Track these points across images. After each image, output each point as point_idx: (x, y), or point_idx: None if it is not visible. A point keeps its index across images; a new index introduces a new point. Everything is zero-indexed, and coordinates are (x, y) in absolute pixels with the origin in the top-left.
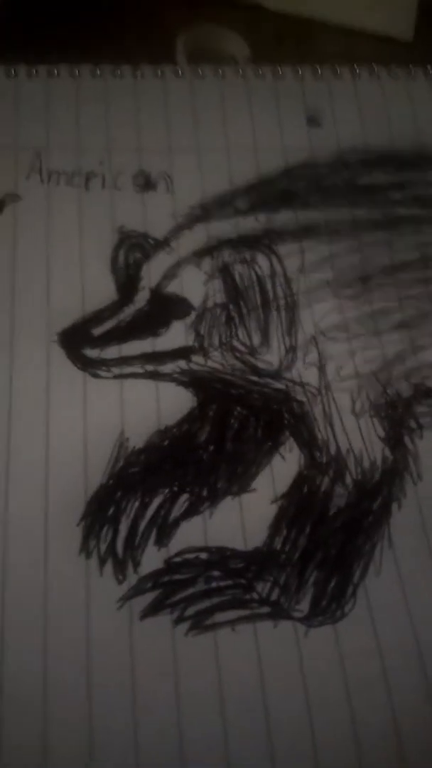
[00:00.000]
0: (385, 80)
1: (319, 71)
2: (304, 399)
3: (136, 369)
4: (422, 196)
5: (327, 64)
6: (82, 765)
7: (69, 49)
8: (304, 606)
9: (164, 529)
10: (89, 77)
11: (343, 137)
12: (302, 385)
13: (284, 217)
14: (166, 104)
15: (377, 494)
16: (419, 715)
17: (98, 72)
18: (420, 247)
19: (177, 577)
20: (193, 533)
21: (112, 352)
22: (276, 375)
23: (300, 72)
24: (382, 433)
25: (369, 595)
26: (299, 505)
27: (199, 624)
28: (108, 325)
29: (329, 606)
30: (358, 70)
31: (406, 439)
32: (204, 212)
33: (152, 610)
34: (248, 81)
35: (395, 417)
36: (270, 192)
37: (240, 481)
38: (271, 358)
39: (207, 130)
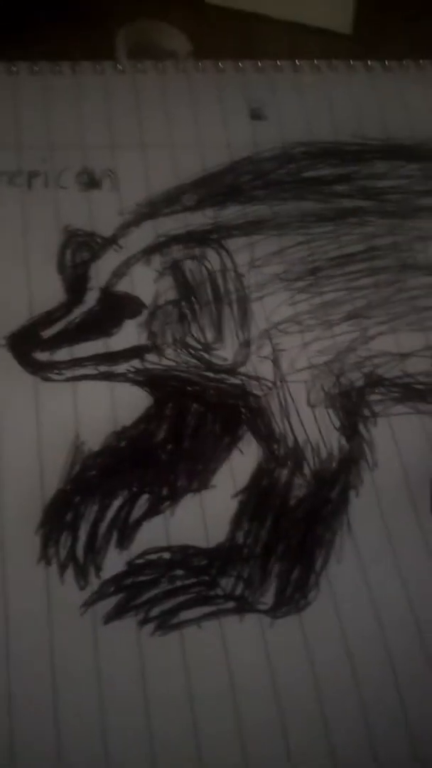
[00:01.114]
0: (327, 73)
1: (261, 66)
2: (260, 393)
3: (89, 370)
4: (366, 187)
5: (269, 58)
6: None
7: (6, 46)
8: (268, 598)
9: (125, 532)
10: (27, 74)
11: (287, 131)
12: (257, 379)
13: (232, 212)
14: (108, 101)
15: (335, 483)
16: (386, 699)
17: (36, 68)
18: (366, 238)
19: (140, 578)
20: (155, 533)
21: (63, 354)
22: (231, 370)
23: (242, 66)
24: (337, 423)
25: (331, 583)
26: (259, 499)
27: (165, 624)
28: (58, 326)
29: (293, 596)
30: (299, 64)
31: (361, 428)
32: (151, 209)
33: (116, 613)
34: (190, 76)
35: (349, 406)
36: (217, 187)
37: (200, 478)
38: (226, 353)
39: (150, 127)
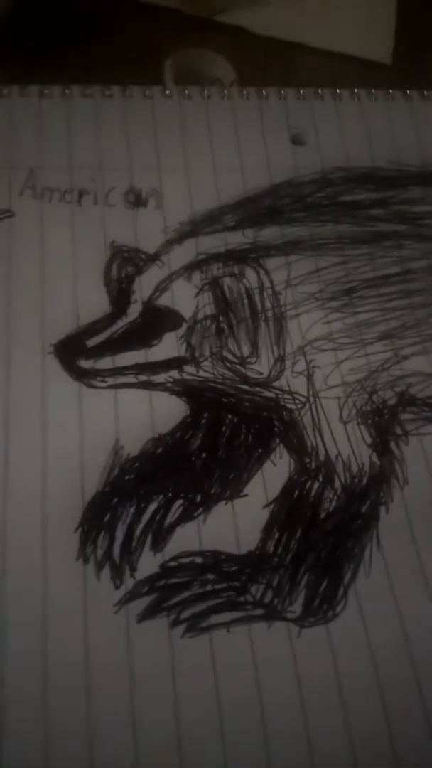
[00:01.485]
0: (366, 102)
1: (302, 93)
2: (293, 407)
3: (130, 379)
4: (402, 212)
5: (310, 86)
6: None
7: (60, 70)
8: (296, 607)
9: (159, 535)
10: (80, 97)
11: (326, 156)
12: (291, 393)
13: (271, 233)
14: (155, 124)
15: (365, 498)
16: (410, 712)
17: (89, 92)
18: (401, 261)
19: (173, 580)
20: (188, 538)
21: (105, 362)
22: (265, 384)
23: (284, 93)
24: (369, 440)
25: (359, 596)
26: (290, 510)
27: (195, 626)
28: (102, 336)
29: (321, 607)
30: (339, 92)
31: (392, 445)
32: (193, 228)
33: (149, 613)
34: (234, 102)
35: (381, 424)
36: (256, 208)
37: (232, 487)
38: (261, 367)
39: (195, 149)
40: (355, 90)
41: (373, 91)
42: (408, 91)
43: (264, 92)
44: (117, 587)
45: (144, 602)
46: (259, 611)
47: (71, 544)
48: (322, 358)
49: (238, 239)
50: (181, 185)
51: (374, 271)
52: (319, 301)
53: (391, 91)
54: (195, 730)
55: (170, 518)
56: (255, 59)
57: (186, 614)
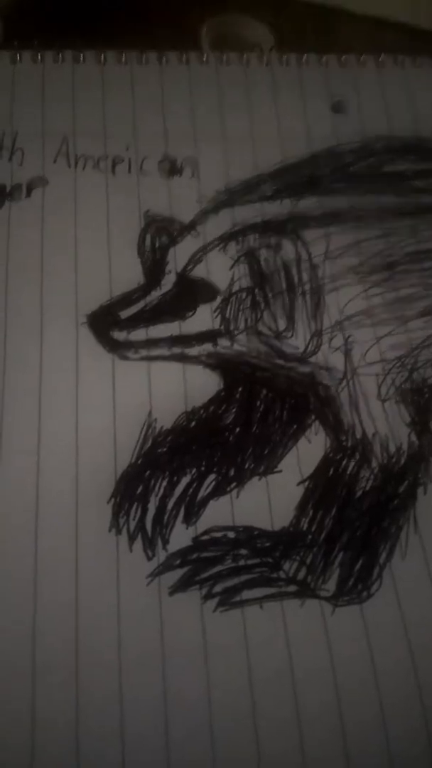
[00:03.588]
0: (410, 69)
1: (344, 60)
2: (330, 383)
3: (163, 351)
4: None
5: (352, 52)
6: (112, 740)
7: (95, 35)
8: (330, 586)
9: (192, 508)
10: (115, 63)
11: (368, 125)
12: (328, 369)
13: (309, 203)
14: (191, 91)
15: (403, 478)
16: None
17: (124, 58)
18: None
19: (205, 554)
20: (221, 513)
21: (139, 334)
22: (302, 359)
23: (325, 60)
24: (407, 419)
25: (395, 577)
26: (325, 487)
27: (228, 601)
28: (135, 308)
29: (355, 586)
30: (382, 59)
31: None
32: (229, 197)
33: (181, 586)
34: (273, 69)
35: (421, 402)
36: (295, 178)
37: (266, 462)
38: (297, 342)
39: (232, 117)
40: (399, 57)
41: (417, 58)
42: None
43: (304, 58)
44: (149, 559)
45: (176, 575)
46: (292, 588)
47: (104, 515)
48: (360, 333)
49: (275, 209)
50: (217, 153)
51: (417, 245)
52: (359, 274)
53: None
54: (227, 706)
55: (203, 492)
56: (294, 25)
57: (218, 588)
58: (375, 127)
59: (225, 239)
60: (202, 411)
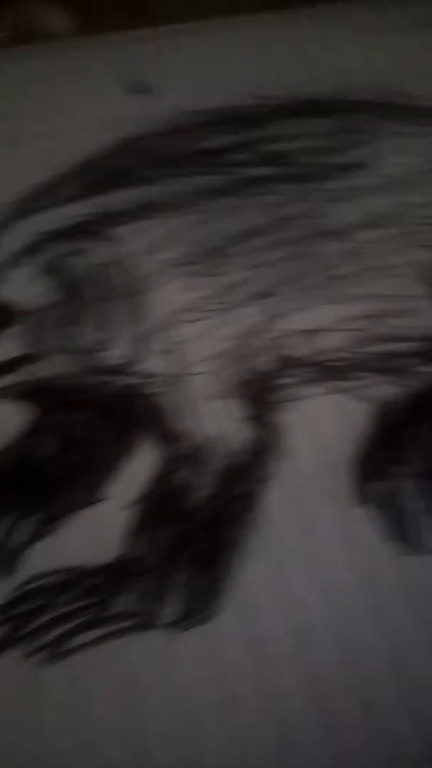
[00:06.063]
0: (213, 33)
1: (145, 34)
2: (158, 390)
3: None
4: (270, 153)
5: (153, 26)
6: None
7: None
8: (174, 610)
9: (9, 558)
10: None
11: (175, 101)
12: (153, 375)
13: (118, 198)
14: None
15: (247, 477)
16: (303, 699)
17: None
18: (271, 208)
19: (27, 607)
20: (46, 555)
21: None
22: (124, 370)
23: (126, 38)
24: (246, 413)
25: (243, 585)
26: (158, 506)
27: (57, 652)
28: None
29: (199, 605)
30: (182, 27)
31: (272, 415)
32: (23, 207)
33: (1, 647)
34: (68, 56)
35: (258, 394)
36: (100, 173)
37: (91, 492)
38: (117, 352)
39: (28, 114)
40: (197, 23)
41: (218, 20)
42: (258, 15)
43: (102, 40)
44: None
45: None
46: (128, 623)
47: None
48: (188, 330)
49: (80, 210)
50: (6, 159)
51: (239, 224)
52: (180, 266)
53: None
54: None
55: (21, 538)
56: (94, 5)
57: (45, 640)
58: (184, 103)
59: (23, 254)
60: (13, 448)
